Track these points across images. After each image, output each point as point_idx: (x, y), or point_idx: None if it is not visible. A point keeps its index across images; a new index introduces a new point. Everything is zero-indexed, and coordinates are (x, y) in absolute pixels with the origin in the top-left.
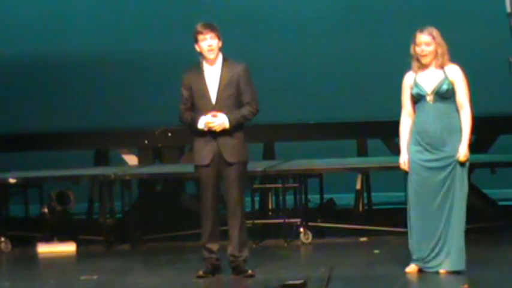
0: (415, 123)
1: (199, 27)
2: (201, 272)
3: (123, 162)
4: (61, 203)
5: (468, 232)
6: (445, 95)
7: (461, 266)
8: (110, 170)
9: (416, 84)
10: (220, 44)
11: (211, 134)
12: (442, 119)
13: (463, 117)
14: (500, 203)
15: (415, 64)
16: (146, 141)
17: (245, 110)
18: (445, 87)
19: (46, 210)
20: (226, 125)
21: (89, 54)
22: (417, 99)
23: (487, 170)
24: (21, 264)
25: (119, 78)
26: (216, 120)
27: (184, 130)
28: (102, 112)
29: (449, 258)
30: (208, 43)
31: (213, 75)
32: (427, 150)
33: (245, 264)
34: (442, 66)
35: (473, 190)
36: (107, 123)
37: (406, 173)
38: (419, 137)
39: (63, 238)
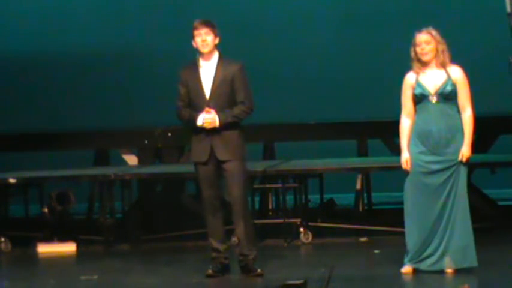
0: (416, 123)
1: (195, 23)
2: (210, 271)
3: (123, 162)
4: (61, 203)
5: None
6: (449, 96)
7: (469, 262)
8: (110, 170)
9: (419, 84)
10: (216, 41)
11: (206, 131)
12: (445, 119)
13: (465, 119)
14: (500, 203)
15: (416, 65)
16: (146, 141)
17: (237, 110)
18: (449, 88)
19: (46, 210)
20: (217, 123)
21: (89, 53)
22: (420, 99)
23: (487, 170)
24: (21, 264)
25: (119, 78)
26: (209, 117)
27: (185, 130)
28: (102, 112)
29: (456, 257)
30: (203, 38)
31: (208, 72)
32: (430, 151)
33: (254, 263)
34: (443, 65)
35: (473, 190)
36: (107, 123)
37: (406, 172)
38: (423, 137)
39: (63, 238)
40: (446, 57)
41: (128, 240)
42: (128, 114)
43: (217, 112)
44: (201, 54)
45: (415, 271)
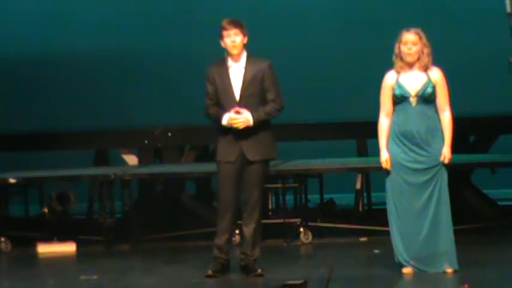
0: (396, 124)
1: (224, 23)
2: (210, 272)
3: (123, 162)
4: (61, 203)
5: (468, 232)
6: (429, 98)
7: (456, 265)
8: (110, 170)
9: (399, 85)
10: (245, 41)
11: (235, 131)
12: (424, 120)
13: (444, 120)
14: (500, 203)
15: (398, 63)
16: (146, 141)
17: (269, 107)
18: (429, 90)
19: (46, 210)
20: (250, 122)
21: (89, 53)
22: (400, 100)
23: (487, 170)
24: (21, 264)
25: (119, 78)
26: (239, 117)
27: (185, 130)
28: (102, 112)
29: (448, 258)
30: (232, 39)
31: (237, 72)
32: (411, 150)
33: (255, 263)
34: (425, 68)
35: (473, 190)
36: (107, 123)
37: (387, 172)
38: (403, 137)
39: (63, 238)
40: (429, 60)
41: (128, 240)
42: (127, 114)
43: (250, 111)
44: (229, 54)
45: (416, 271)
